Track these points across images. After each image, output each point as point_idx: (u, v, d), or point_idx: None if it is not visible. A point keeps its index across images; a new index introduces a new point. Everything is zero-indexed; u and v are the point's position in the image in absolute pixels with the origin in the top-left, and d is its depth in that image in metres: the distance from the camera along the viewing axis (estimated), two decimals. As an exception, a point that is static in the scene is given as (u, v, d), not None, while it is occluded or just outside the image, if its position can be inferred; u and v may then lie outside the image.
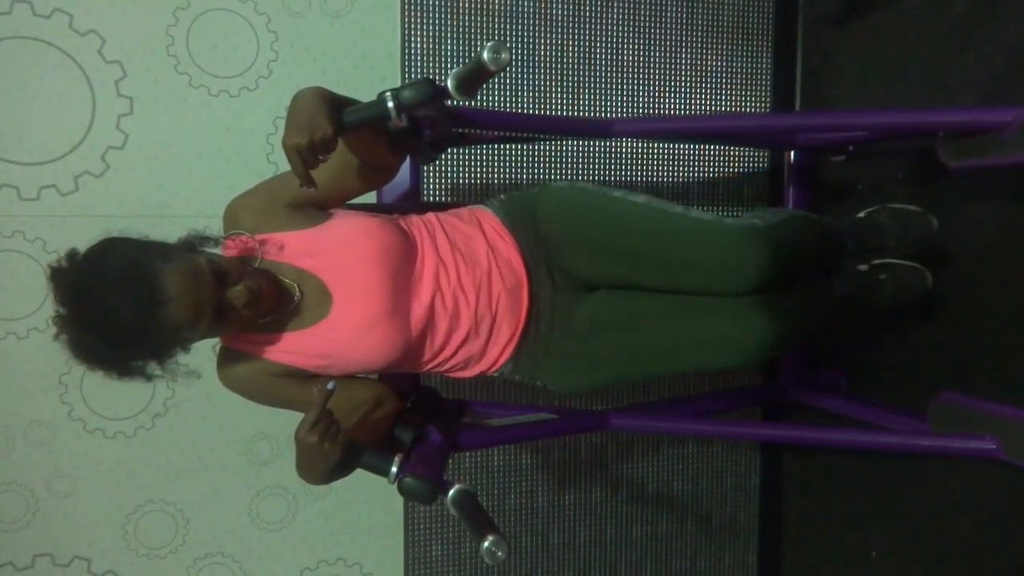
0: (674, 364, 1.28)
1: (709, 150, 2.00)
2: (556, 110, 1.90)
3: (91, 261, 1.04)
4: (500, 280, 1.27)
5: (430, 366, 1.30)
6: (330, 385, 1.04)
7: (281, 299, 1.18)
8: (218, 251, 1.18)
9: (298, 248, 1.20)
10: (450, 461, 1.59)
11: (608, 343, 1.28)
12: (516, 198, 1.35)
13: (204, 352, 1.22)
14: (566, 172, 1.91)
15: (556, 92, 1.89)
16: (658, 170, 1.97)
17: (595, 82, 1.91)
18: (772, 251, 1.21)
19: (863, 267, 1.59)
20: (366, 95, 1.16)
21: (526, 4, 1.85)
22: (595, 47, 1.90)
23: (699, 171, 2.00)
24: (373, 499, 1.87)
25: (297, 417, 1.06)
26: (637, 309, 1.27)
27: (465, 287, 1.25)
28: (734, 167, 2.02)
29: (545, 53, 1.88)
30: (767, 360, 1.39)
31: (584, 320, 1.29)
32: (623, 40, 1.92)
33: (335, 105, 1.08)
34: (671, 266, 1.25)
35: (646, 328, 1.26)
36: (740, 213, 2.03)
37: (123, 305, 0.99)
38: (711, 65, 1.97)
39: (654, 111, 1.96)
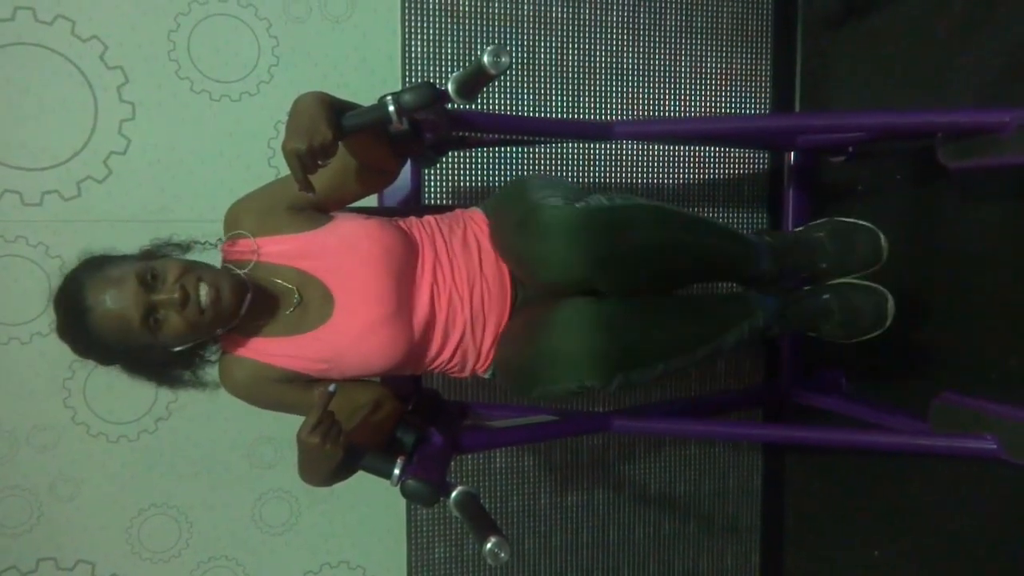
0: (543, 383, 1.17)
1: (709, 152, 2.00)
2: (556, 113, 1.90)
3: (61, 283, 1.14)
4: (487, 279, 1.27)
5: (432, 367, 1.31)
6: (331, 388, 1.04)
7: (267, 300, 1.18)
8: (198, 255, 1.21)
9: (298, 251, 1.20)
10: (452, 463, 1.60)
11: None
12: (497, 195, 1.36)
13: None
14: (567, 174, 1.92)
15: (556, 95, 1.89)
16: (658, 172, 1.98)
17: (595, 85, 1.92)
18: (608, 241, 1.11)
19: (806, 288, 1.42)
20: (367, 99, 1.16)
21: (526, 7, 1.86)
22: (595, 50, 1.91)
23: (699, 173, 2.00)
24: (376, 502, 1.87)
25: (300, 420, 1.06)
26: (603, 313, 1.17)
27: (460, 288, 1.25)
28: (734, 169, 2.02)
29: (545, 56, 1.88)
30: (602, 385, 1.14)
31: (555, 322, 1.23)
32: (623, 43, 1.92)
33: (335, 110, 1.09)
34: (522, 264, 1.19)
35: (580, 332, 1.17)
36: (742, 218, 2.04)
37: (60, 318, 1.11)
38: (710, 67, 1.98)
39: (654, 113, 1.96)
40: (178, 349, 1.14)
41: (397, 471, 1.09)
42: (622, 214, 1.14)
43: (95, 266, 1.12)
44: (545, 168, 1.91)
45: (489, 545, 0.99)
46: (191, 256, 1.21)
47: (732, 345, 1.25)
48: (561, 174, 1.92)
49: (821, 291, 1.39)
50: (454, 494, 1.08)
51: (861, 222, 1.40)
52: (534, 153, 1.90)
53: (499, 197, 1.31)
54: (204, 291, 1.09)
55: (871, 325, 1.39)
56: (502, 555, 0.99)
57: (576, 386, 1.14)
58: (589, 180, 1.94)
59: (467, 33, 1.83)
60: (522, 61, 1.87)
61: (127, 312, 1.06)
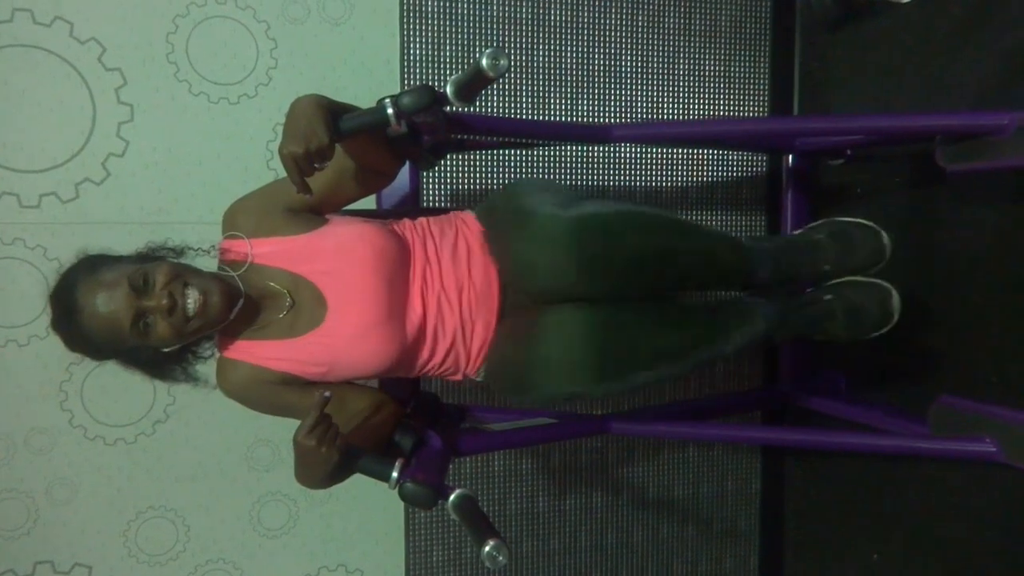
0: (533, 389, 1.17)
1: (707, 155, 2.00)
2: (554, 115, 1.90)
3: (57, 280, 1.16)
4: (476, 283, 1.26)
5: (425, 370, 1.31)
6: (326, 394, 1.04)
7: (233, 301, 1.17)
8: (190, 259, 1.22)
9: (294, 253, 1.20)
10: (451, 466, 1.59)
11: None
12: (489, 200, 1.35)
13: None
14: (565, 177, 1.92)
15: (554, 97, 1.90)
16: (656, 175, 1.98)
17: (593, 87, 1.92)
18: (599, 248, 1.10)
19: (808, 290, 1.40)
20: (365, 102, 1.16)
21: (525, 10, 1.86)
22: (593, 53, 1.91)
23: (697, 176, 2.00)
24: (374, 505, 1.87)
25: (298, 423, 1.06)
26: (589, 320, 1.16)
27: (449, 291, 1.25)
28: (732, 172, 2.02)
29: (544, 59, 1.88)
30: (585, 392, 1.14)
31: (542, 328, 1.23)
32: (621, 46, 1.93)
33: (332, 113, 1.09)
34: (513, 269, 1.19)
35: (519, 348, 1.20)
36: (740, 222, 2.04)
37: (54, 314, 1.13)
38: (709, 70, 1.98)
39: (652, 116, 1.96)
40: (167, 350, 1.17)
41: (395, 474, 1.09)
42: (614, 220, 1.13)
43: (89, 267, 1.13)
44: (543, 171, 1.91)
45: (487, 548, 0.99)
46: (185, 261, 1.22)
47: (731, 352, 1.23)
48: (559, 177, 1.92)
49: (822, 293, 1.38)
50: (452, 497, 1.08)
51: (861, 220, 1.38)
52: (532, 156, 1.90)
53: (491, 201, 1.31)
54: (192, 297, 1.10)
55: (878, 322, 1.37)
56: (500, 558, 0.98)
57: (566, 392, 1.13)
58: (587, 183, 1.94)
59: (466, 36, 1.83)
60: (521, 64, 1.87)
61: (117, 316, 1.08)
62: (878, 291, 1.36)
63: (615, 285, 1.15)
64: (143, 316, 1.09)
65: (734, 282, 1.33)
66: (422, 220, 1.32)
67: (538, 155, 1.90)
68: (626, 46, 1.93)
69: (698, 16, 1.96)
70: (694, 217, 2.01)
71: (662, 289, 1.24)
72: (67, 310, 1.10)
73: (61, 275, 1.15)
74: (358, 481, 1.14)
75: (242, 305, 1.16)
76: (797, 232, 1.43)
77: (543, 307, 1.19)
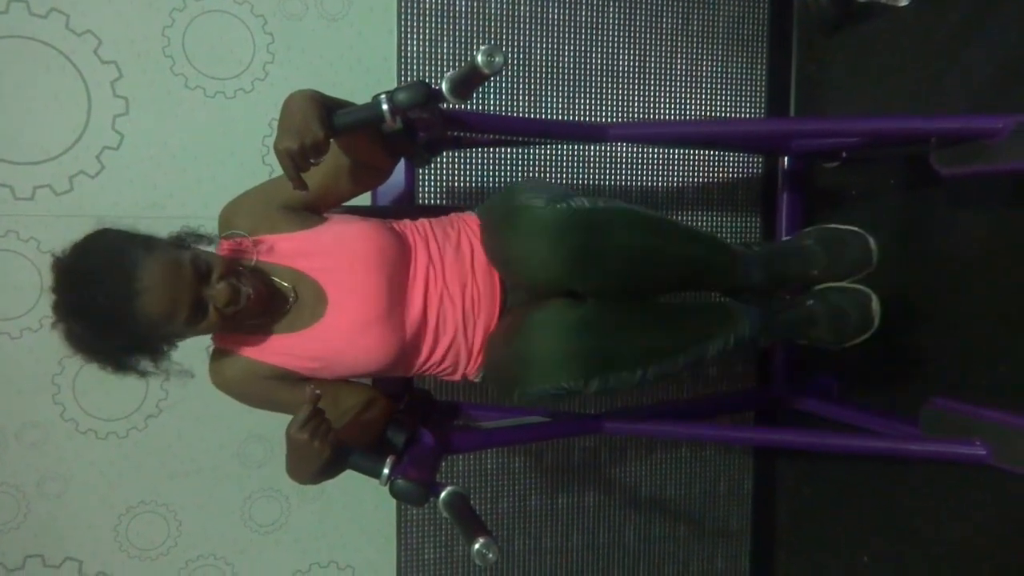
0: (521, 384, 1.17)
1: (703, 155, 2.00)
2: (551, 114, 1.90)
3: (78, 249, 1.07)
4: (478, 283, 1.27)
5: (423, 369, 1.31)
6: (316, 391, 1.04)
7: (274, 301, 1.18)
8: (212, 249, 1.18)
9: (293, 250, 1.20)
10: (443, 464, 1.59)
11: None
12: (490, 199, 1.36)
13: (197, 353, 1.22)
14: (561, 176, 1.92)
15: (551, 96, 1.90)
16: (652, 175, 1.98)
17: (590, 86, 1.92)
18: (585, 241, 1.11)
19: (787, 296, 1.41)
20: (362, 98, 1.16)
21: (522, 8, 1.86)
22: (590, 51, 1.91)
23: (693, 176, 2.00)
24: (366, 501, 1.87)
25: (290, 418, 1.06)
26: (590, 315, 1.17)
27: (452, 290, 1.25)
28: (728, 172, 2.03)
29: (541, 57, 1.88)
30: (579, 387, 1.14)
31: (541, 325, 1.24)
32: (618, 45, 1.93)
33: (326, 108, 1.09)
34: (505, 264, 1.21)
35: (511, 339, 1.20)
36: (736, 222, 2.04)
37: (100, 293, 1.01)
38: (706, 71, 1.98)
39: (649, 116, 1.96)
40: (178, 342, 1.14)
41: (387, 471, 1.09)
42: (602, 216, 1.14)
43: (144, 245, 1.06)
44: (539, 169, 1.91)
45: (477, 546, 0.99)
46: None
47: (715, 354, 1.24)
48: (555, 176, 1.92)
49: (804, 298, 1.39)
50: (443, 494, 1.08)
51: (849, 227, 1.40)
52: (528, 154, 1.90)
53: (490, 201, 1.32)
54: (244, 292, 1.10)
55: (858, 327, 1.39)
56: (490, 556, 0.98)
57: (552, 388, 1.13)
58: (583, 182, 1.94)
59: (463, 33, 1.83)
60: (517, 61, 1.87)
61: (181, 300, 1.04)
62: (858, 295, 1.38)
63: (603, 281, 1.16)
64: (202, 303, 1.07)
65: (722, 285, 1.34)
66: (423, 221, 1.32)
67: (534, 153, 1.90)
68: (624, 45, 1.93)
69: (696, 16, 1.96)
70: (689, 218, 2.01)
71: (650, 288, 1.24)
72: (125, 290, 1.01)
73: (109, 248, 1.05)
74: (350, 477, 1.14)
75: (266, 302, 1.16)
76: (786, 239, 1.45)
77: (535, 302, 1.20)
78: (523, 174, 1.90)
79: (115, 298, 1.01)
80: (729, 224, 2.04)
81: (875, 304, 1.37)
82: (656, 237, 1.19)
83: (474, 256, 1.28)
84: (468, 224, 1.32)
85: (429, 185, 1.85)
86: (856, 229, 1.38)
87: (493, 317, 1.28)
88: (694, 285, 1.33)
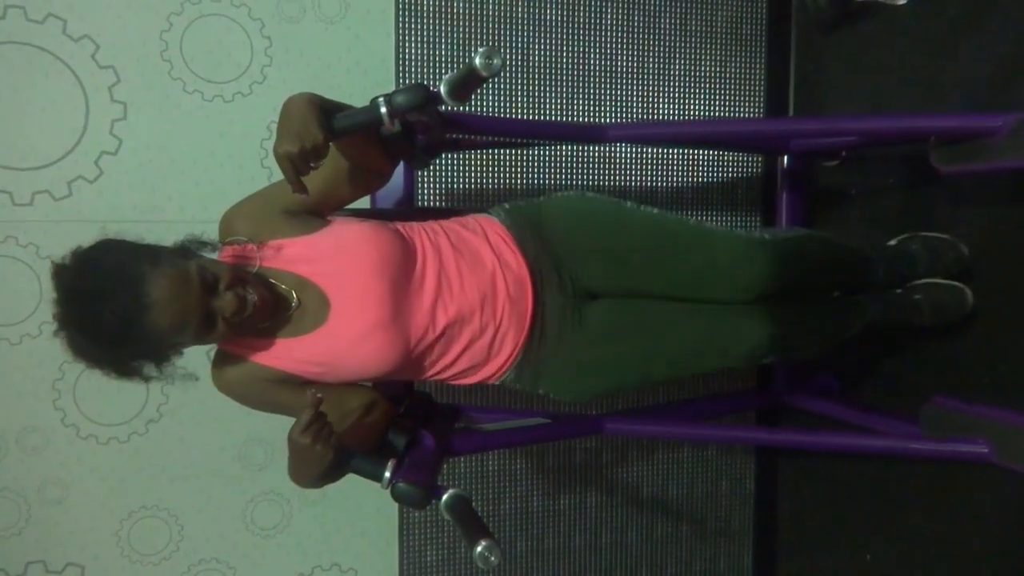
0: (676, 369, 1.37)
1: (703, 155, 2.00)
2: (550, 115, 1.90)
3: (83, 263, 1.05)
4: (505, 288, 1.25)
5: (432, 374, 1.30)
6: (318, 395, 1.04)
7: (277, 306, 1.17)
8: (215, 257, 1.18)
9: (296, 254, 1.20)
10: (445, 466, 1.59)
11: (617, 349, 1.31)
12: (521, 207, 1.35)
13: (200, 356, 1.22)
14: (560, 177, 1.92)
15: (550, 97, 1.89)
16: (652, 175, 1.98)
17: (589, 87, 1.92)
18: (776, 263, 1.31)
19: (899, 290, 1.58)
20: (360, 101, 1.16)
21: (520, 9, 1.86)
22: (589, 52, 1.91)
23: (693, 176, 2.00)
24: (368, 504, 1.87)
25: (292, 422, 1.06)
26: (644, 315, 1.32)
27: (469, 295, 1.24)
28: (727, 172, 2.03)
29: (539, 58, 1.88)
30: (766, 362, 1.48)
31: (595, 327, 1.30)
32: (617, 45, 1.93)
33: (325, 112, 1.08)
34: (683, 273, 1.32)
35: (653, 334, 1.31)
36: (736, 222, 2.04)
37: (107, 308, 1.00)
38: (705, 71, 1.98)
39: (648, 116, 1.96)
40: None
41: (388, 474, 1.09)
42: (797, 245, 1.37)
43: (150, 257, 1.05)
44: (538, 171, 1.91)
45: (479, 548, 0.99)
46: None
47: (852, 335, 1.48)
48: (554, 177, 1.92)
49: (913, 291, 1.56)
50: (445, 497, 1.08)
51: (943, 235, 1.58)
52: (527, 156, 1.90)
53: (533, 208, 1.36)
54: (250, 302, 1.09)
55: (956, 315, 1.55)
56: (492, 559, 0.98)
57: (736, 365, 1.37)
58: (582, 183, 1.94)
59: (461, 35, 1.83)
60: (516, 63, 1.87)
61: (190, 313, 1.04)
62: (958, 292, 1.55)
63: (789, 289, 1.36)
64: (210, 315, 1.07)
65: (857, 284, 1.53)
66: (432, 222, 1.31)
67: (533, 155, 1.90)
68: (622, 46, 1.93)
69: (694, 16, 1.96)
70: (690, 217, 2.01)
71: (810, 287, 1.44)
72: (135, 303, 1.00)
73: (116, 263, 1.04)
74: (352, 480, 1.14)
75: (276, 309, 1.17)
76: (892, 242, 1.63)
77: (583, 304, 1.31)
78: (522, 176, 1.90)
79: (123, 314, 1.00)
80: (729, 223, 2.04)
81: (969, 296, 1.54)
82: (834, 251, 1.46)
83: (497, 259, 1.26)
84: (490, 227, 1.31)
85: (428, 188, 1.84)
86: (949, 237, 1.57)
87: (525, 319, 1.27)
88: (844, 286, 1.52)
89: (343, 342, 1.18)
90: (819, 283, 1.45)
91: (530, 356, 1.30)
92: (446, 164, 1.85)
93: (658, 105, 1.96)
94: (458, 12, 1.82)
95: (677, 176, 1.99)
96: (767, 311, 1.33)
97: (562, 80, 1.90)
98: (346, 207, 1.31)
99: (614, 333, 1.30)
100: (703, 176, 2.01)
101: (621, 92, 1.94)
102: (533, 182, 1.91)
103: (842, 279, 1.51)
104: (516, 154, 1.89)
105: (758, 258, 1.30)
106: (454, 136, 1.47)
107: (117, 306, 1.00)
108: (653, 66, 1.95)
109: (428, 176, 1.84)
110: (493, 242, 1.29)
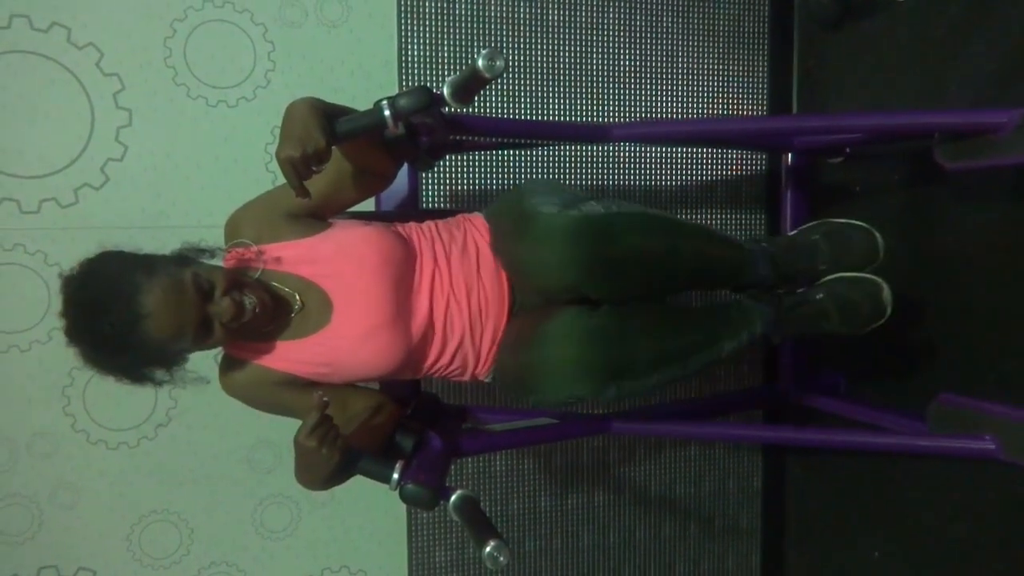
0: (536, 392, 1.18)
1: (707, 153, 2.00)
2: (553, 115, 1.90)
3: (83, 275, 1.08)
4: (486, 285, 1.27)
5: (431, 372, 1.31)
6: (324, 398, 1.05)
7: (279, 309, 1.18)
8: (216, 262, 1.19)
9: (299, 257, 1.21)
10: (452, 467, 1.59)
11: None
12: (498, 201, 1.35)
13: (208, 360, 1.23)
14: (564, 178, 1.92)
15: (553, 97, 1.90)
16: (656, 174, 1.98)
17: (592, 87, 1.92)
18: (601, 248, 1.11)
19: (800, 290, 1.40)
20: (363, 104, 1.16)
21: (523, 11, 1.86)
22: (591, 52, 1.91)
23: (697, 175, 2.00)
24: (376, 506, 1.87)
25: (299, 424, 1.06)
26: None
27: (458, 293, 1.25)
28: (731, 170, 2.02)
29: (542, 59, 1.88)
30: (602, 384, 1.15)
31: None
32: (619, 45, 1.93)
33: (328, 116, 1.09)
34: (518, 270, 1.22)
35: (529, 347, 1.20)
36: (740, 220, 2.04)
37: (105, 322, 1.03)
38: (708, 69, 1.98)
39: (651, 115, 1.96)
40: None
41: (396, 475, 1.09)
42: (616, 221, 1.14)
43: (146, 270, 1.06)
44: (542, 171, 1.91)
45: (488, 549, 0.99)
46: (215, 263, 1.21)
47: (729, 353, 1.25)
48: (558, 177, 1.92)
49: (814, 292, 1.39)
50: (453, 498, 1.08)
51: (855, 222, 1.40)
52: (531, 156, 1.90)
53: (498, 203, 1.32)
54: (249, 305, 1.10)
55: (871, 316, 1.37)
56: (501, 559, 0.99)
57: (567, 396, 1.14)
58: (586, 183, 1.94)
59: (463, 36, 1.83)
60: (519, 64, 1.87)
61: (187, 321, 1.05)
62: (868, 285, 1.38)
63: (615, 286, 1.16)
64: (208, 321, 1.08)
65: (733, 282, 1.35)
66: (429, 223, 1.33)
67: (537, 155, 1.90)
68: (625, 45, 1.93)
69: (697, 15, 1.96)
70: (694, 216, 2.01)
71: (663, 290, 1.25)
72: (130, 315, 1.02)
73: (111, 275, 1.05)
74: (360, 482, 1.15)
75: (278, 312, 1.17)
76: (792, 233, 1.45)
77: (548, 309, 1.20)
78: (527, 176, 1.90)
79: (119, 325, 1.03)
80: (734, 221, 2.04)
81: (886, 292, 1.36)
82: (672, 239, 1.19)
83: (480, 258, 1.28)
84: (475, 226, 1.33)
85: (433, 189, 1.85)
86: (862, 224, 1.38)
87: (502, 319, 1.28)
88: (705, 283, 1.35)
89: (346, 343, 1.19)
90: (661, 279, 1.20)
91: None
92: (450, 166, 1.85)
93: (661, 104, 1.96)
94: (460, 13, 1.82)
95: (681, 175, 1.99)
96: (590, 319, 1.14)
97: (565, 80, 1.90)
98: (347, 210, 1.32)
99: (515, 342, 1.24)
100: (707, 175, 2.01)
101: (624, 91, 1.94)
102: (537, 183, 1.91)
103: (697, 275, 1.26)
104: (520, 155, 1.89)
105: (560, 236, 1.10)
106: (458, 138, 1.47)
107: (114, 318, 1.03)
108: (656, 65, 1.95)
109: (432, 178, 1.84)
110: (476, 238, 1.30)
